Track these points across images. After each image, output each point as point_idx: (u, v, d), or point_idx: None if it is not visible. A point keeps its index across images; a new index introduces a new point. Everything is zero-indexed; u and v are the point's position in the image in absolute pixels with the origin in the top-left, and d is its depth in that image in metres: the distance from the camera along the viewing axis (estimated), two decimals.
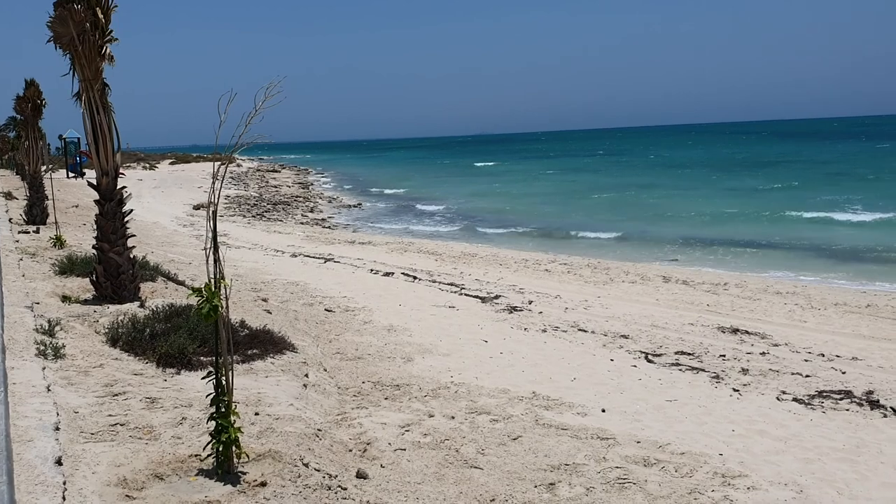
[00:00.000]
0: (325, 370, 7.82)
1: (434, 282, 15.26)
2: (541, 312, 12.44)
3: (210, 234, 4.46)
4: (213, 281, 4.43)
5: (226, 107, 4.53)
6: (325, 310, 11.81)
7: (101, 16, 8.64)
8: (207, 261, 4.51)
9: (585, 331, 11.22)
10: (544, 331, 11.12)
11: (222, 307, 4.42)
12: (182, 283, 10.78)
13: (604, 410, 7.34)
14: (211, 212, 4.50)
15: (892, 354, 10.03)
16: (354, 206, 38.55)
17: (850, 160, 58.58)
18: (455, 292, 14.11)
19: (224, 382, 4.45)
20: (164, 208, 30.65)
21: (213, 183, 4.55)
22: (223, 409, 4.41)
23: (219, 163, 4.64)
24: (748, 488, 5.55)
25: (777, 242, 22.18)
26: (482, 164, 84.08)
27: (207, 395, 4.57)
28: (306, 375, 7.07)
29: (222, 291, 4.45)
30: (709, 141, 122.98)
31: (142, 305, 8.76)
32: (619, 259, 19.80)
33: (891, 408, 7.74)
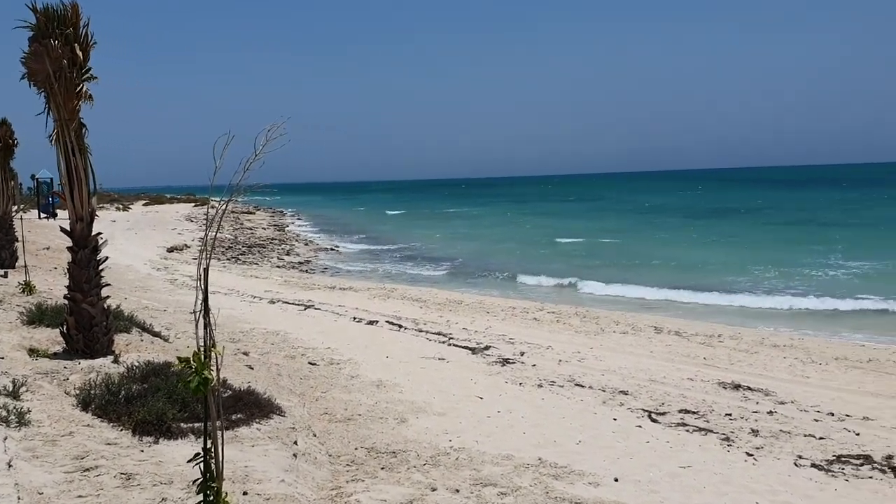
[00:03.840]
0: (315, 435, 7.23)
1: (420, 331, 14.72)
2: (534, 365, 11.93)
3: (201, 295, 3.95)
4: (202, 349, 3.90)
5: (223, 151, 4.07)
6: (309, 363, 11.21)
7: (79, 52, 8.13)
8: (197, 325, 3.99)
9: (583, 386, 10.73)
10: (540, 386, 10.60)
11: (213, 380, 3.89)
12: (158, 335, 10.16)
13: (616, 479, 6.82)
14: (202, 269, 4.00)
15: None
16: (332, 250, 37.95)
17: (824, 208, 59.24)
18: (443, 342, 13.58)
19: (213, 466, 3.89)
20: (138, 251, 29.86)
21: (206, 236, 4.06)
22: (212, 498, 3.85)
23: (213, 216, 4.14)
24: None
25: (763, 291, 21.94)
26: (460, 208, 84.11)
27: (195, 482, 4.00)
28: (295, 443, 6.48)
29: (213, 360, 3.92)
30: (691, 187, 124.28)
31: (116, 361, 8.13)
32: (607, 308, 19.42)
33: None
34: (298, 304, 17.70)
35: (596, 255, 32.19)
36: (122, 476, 5.07)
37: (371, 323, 15.47)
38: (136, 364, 7.57)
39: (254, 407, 6.93)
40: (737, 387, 10.95)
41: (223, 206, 4.18)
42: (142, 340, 9.63)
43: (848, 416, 9.55)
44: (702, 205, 71.07)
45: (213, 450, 3.94)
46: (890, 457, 7.90)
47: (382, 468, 6.64)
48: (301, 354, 11.84)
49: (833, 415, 9.59)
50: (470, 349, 13.00)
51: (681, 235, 39.97)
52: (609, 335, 15.08)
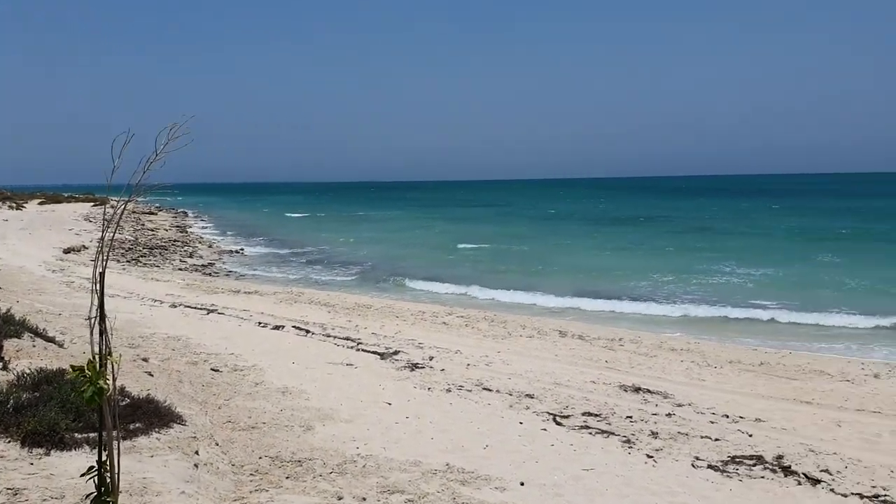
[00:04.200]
0: (217, 444, 7.03)
1: (328, 336, 14.55)
2: (443, 370, 11.97)
3: (96, 300, 3.77)
4: (97, 357, 3.72)
5: (121, 150, 3.90)
6: (212, 369, 10.90)
7: None
8: (92, 331, 3.81)
9: (490, 390, 10.82)
10: (448, 390, 10.64)
11: (109, 389, 3.71)
12: (52, 340, 9.67)
13: (522, 484, 6.90)
14: (99, 272, 3.82)
15: (793, 415, 10.12)
16: (237, 252, 37.12)
17: (718, 217, 61.79)
18: (351, 348, 13.45)
19: (109, 479, 3.71)
20: (32, 251, 28.44)
21: (103, 237, 3.88)
22: None
23: (111, 216, 3.96)
24: None
25: (662, 297, 22.67)
26: (369, 211, 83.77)
27: (88, 496, 3.80)
28: (196, 452, 6.28)
29: (109, 369, 3.74)
30: (594, 195, 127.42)
31: (5, 368, 7.69)
32: (512, 312, 19.68)
33: (803, 474, 7.68)
34: (201, 309, 17.22)
35: (502, 261, 32.60)
36: (9, 491, 4.80)
37: (277, 328, 15.19)
38: (28, 371, 7.18)
39: (153, 415, 6.68)
40: (637, 389, 11.27)
41: (122, 207, 4.01)
42: (34, 346, 9.14)
43: (741, 417, 9.96)
44: (606, 213, 73.00)
45: (108, 462, 3.76)
46: (780, 457, 8.27)
47: (287, 477, 6.51)
48: (203, 360, 11.51)
49: (727, 417, 9.98)
50: (379, 354, 12.92)
51: (584, 242, 40.90)
52: (516, 339, 15.28)
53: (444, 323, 16.87)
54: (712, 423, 9.65)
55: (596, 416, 9.76)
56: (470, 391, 10.70)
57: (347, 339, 14.26)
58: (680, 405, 10.50)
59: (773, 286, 24.12)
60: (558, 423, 9.30)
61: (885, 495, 7.24)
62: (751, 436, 9.09)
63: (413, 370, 11.83)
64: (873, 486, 7.49)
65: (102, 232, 3.90)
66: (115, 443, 3.78)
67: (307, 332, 14.89)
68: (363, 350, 13.24)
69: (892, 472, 7.95)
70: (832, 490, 7.34)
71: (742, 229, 48.00)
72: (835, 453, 8.52)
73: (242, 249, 38.55)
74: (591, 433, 8.95)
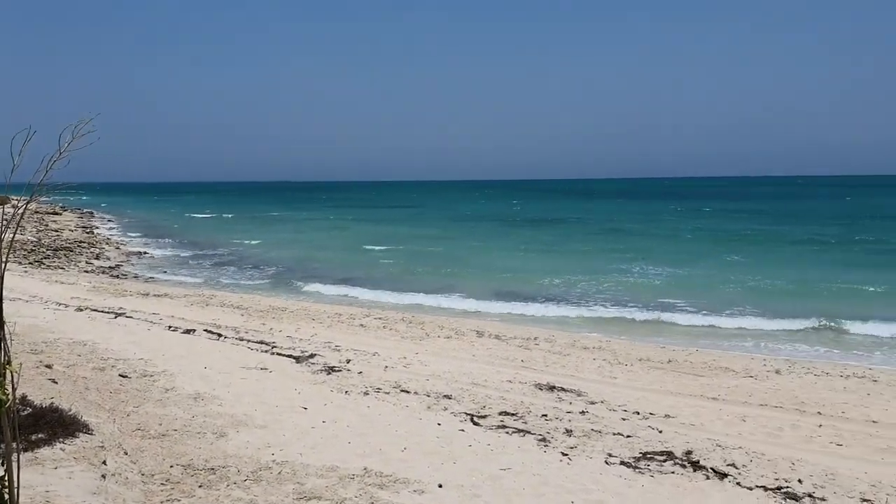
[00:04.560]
0: (126, 453, 6.78)
1: (242, 339, 14.25)
2: (360, 372, 11.88)
3: None
4: None
5: (21, 147, 3.72)
6: (120, 375, 10.51)
7: None
8: None
9: (408, 392, 10.81)
10: (366, 393, 10.56)
11: (9, 400, 3.53)
12: None
13: (440, 486, 6.90)
14: None
15: (700, 411, 10.48)
16: (145, 254, 36.02)
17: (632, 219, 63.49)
18: (266, 351, 13.21)
19: (7, 495, 3.53)
20: None
21: (2, 238, 3.69)
22: None
23: (10, 216, 3.77)
24: None
25: (575, 297, 23.12)
26: (284, 212, 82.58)
27: None
28: (104, 462, 6.05)
29: (8, 378, 3.56)
30: (509, 197, 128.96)
31: None
32: (431, 314, 19.72)
33: (711, 468, 7.95)
34: (109, 312, 16.61)
35: (417, 262, 32.61)
36: None
37: (188, 332, 14.79)
38: None
39: (57, 425, 6.39)
40: (552, 388, 11.46)
41: (24, 206, 3.83)
42: None
43: (651, 414, 10.25)
44: (521, 214, 74.01)
45: (6, 477, 3.58)
46: (689, 452, 8.54)
47: (200, 486, 6.33)
48: (111, 366, 11.09)
49: (638, 413, 10.25)
50: (294, 358, 12.73)
51: (499, 243, 41.27)
52: (434, 340, 15.32)
53: (362, 325, 16.77)
54: (624, 419, 9.89)
55: (512, 415, 9.87)
56: (388, 393, 10.66)
57: (262, 342, 14.01)
58: (593, 403, 10.73)
59: (680, 285, 24.93)
60: (476, 424, 9.36)
61: (787, 487, 7.56)
62: (661, 432, 9.35)
63: (330, 373, 11.70)
64: (776, 479, 7.81)
65: (2, 233, 3.71)
66: (13, 455, 3.60)
67: (220, 335, 14.55)
68: (278, 354, 13.02)
69: (793, 464, 8.31)
70: (738, 483, 7.61)
71: (652, 231, 49.44)
72: (740, 447, 8.85)
73: (152, 251, 37.44)
74: (507, 432, 9.04)
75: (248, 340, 14.18)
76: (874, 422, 10.28)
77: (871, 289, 23.27)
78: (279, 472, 6.87)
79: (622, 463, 8.08)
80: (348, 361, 12.69)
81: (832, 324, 17.89)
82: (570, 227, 55.50)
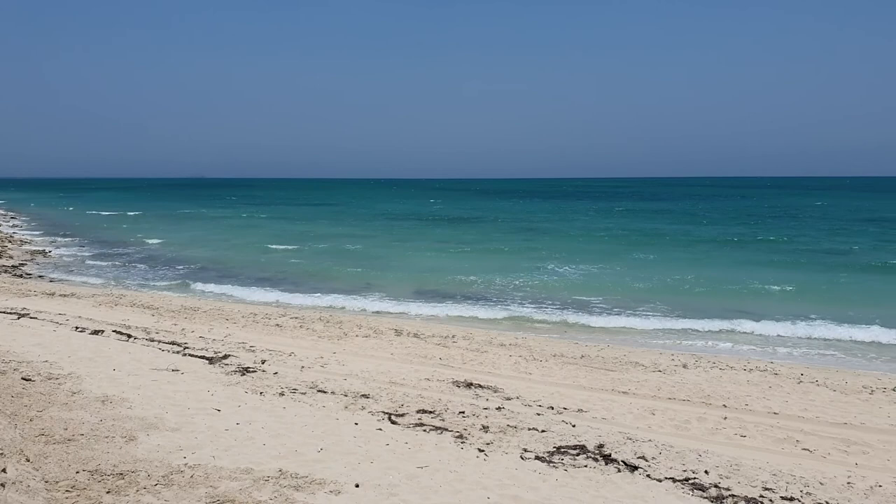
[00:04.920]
0: (28, 460, 6.51)
1: (152, 340, 13.86)
2: (276, 373, 11.72)
3: None
4: None
5: None
6: (23, 378, 10.09)
7: None
8: None
9: (325, 391, 10.73)
10: (282, 394, 10.43)
11: None
12: None
13: (357, 486, 6.89)
14: None
15: (611, 405, 10.76)
16: (50, 252, 34.57)
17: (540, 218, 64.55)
18: (178, 352, 12.89)
19: None
20: None
21: None
22: None
23: None
24: None
25: (492, 294, 23.37)
26: (198, 209, 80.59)
27: None
28: (3, 470, 5.80)
29: None
30: (427, 196, 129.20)
31: None
32: (349, 313, 19.61)
33: (622, 461, 8.18)
34: (11, 313, 15.90)
35: (336, 260, 32.37)
36: None
37: (96, 332, 14.30)
38: None
39: None
40: (469, 385, 11.57)
41: None
42: None
43: (565, 408, 10.46)
44: (440, 213, 74.29)
45: None
46: (601, 445, 8.76)
47: (108, 492, 6.14)
48: (14, 369, 10.63)
49: (553, 408, 10.45)
50: (207, 359, 12.46)
51: (417, 243, 41.27)
52: (352, 339, 15.24)
53: (278, 325, 16.54)
54: (539, 414, 10.07)
55: (430, 412, 9.92)
56: (304, 394, 10.55)
57: (173, 343, 13.66)
58: (509, 399, 10.88)
59: (593, 283, 25.48)
60: (393, 422, 9.36)
61: (695, 478, 7.84)
62: (574, 426, 9.56)
63: (244, 374, 11.50)
64: (685, 470, 8.08)
65: None
66: None
67: (129, 336, 14.12)
68: (190, 355, 12.72)
69: (700, 456, 8.62)
70: (648, 476, 7.85)
71: (565, 230, 50.39)
72: (650, 440, 9.13)
73: (57, 249, 35.98)
74: (425, 430, 9.08)
75: (160, 341, 13.80)
76: (775, 413, 10.75)
77: (775, 287, 24.32)
78: (191, 476, 6.73)
79: (537, 458, 8.22)
80: (263, 362, 12.50)
81: (735, 320, 18.62)
82: (487, 225, 56.01)
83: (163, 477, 6.63)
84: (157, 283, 25.83)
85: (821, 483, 7.83)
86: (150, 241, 41.29)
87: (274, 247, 38.05)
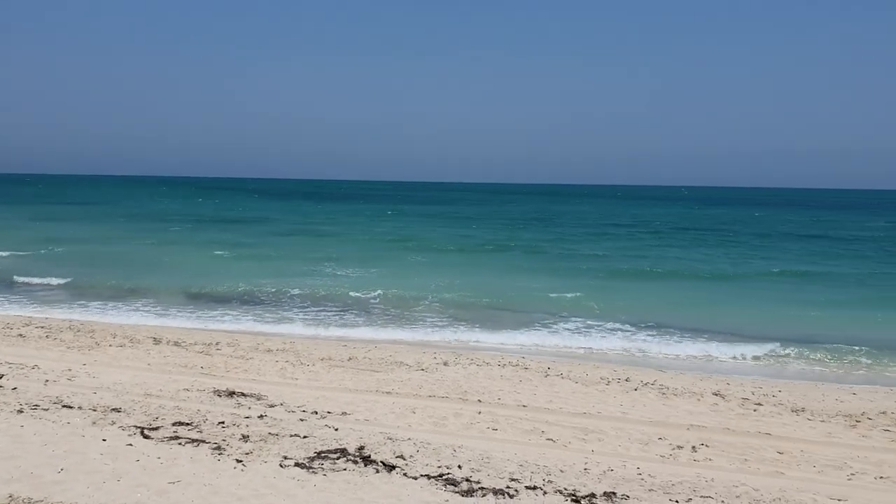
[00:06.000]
0: None
1: None
2: (15, 388, 10.77)
3: None
4: None
5: None
6: None
7: None
8: None
9: (71, 407, 10.03)
10: (20, 412, 9.61)
11: None
12: None
13: None
14: None
15: (374, 406, 11.02)
16: None
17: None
18: None
19: None
20: None
21: None
22: None
23: None
24: None
25: (266, 297, 22.97)
26: None
27: None
28: None
29: None
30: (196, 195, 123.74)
31: None
32: (105, 321, 18.40)
33: (381, 461, 8.42)
34: None
35: (93, 263, 30.16)
36: None
37: None
38: None
39: None
40: (231, 394, 11.33)
41: None
42: None
43: (329, 412, 10.57)
44: (216, 213, 71.56)
45: None
46: (361, 448, 8.95)
47: None
48: None
49: (317, 413, 10.51)
50: None
51: (185, 247, 39.20)
52: (105, 349, 14.34)
53: (21, 335, 15.17)
54: (302, 420, 10.09)
55: (187, 424, 9.60)
56: (47, 410, 9.80)
57: None
58: (272, 406, 10.79)
59: (368, 285, 25.80)
60: (146, 437, 8.96)
61: (449, 473, 8.24)
62: (337, 430, 9.69)
63: None
64: (440, 466, 8.47)
65: None
66: None
67: None
68: None
69: (454, 451, 9.07)
70: (405, 474, 8.14)
71: (341, 232, 50.50)
72: (409, 439, 9.47)
73: None
74: (181, 443, 8.78)
75: None
76: (524, 406, 11.55)
77: (535, 284, 26.02)
78: None
79: (297, 464, 8.24)
80: (1, 377, 11.43)
81: (491, 316, 19.86)
82: (260, 226, 54.72)
83: None
84: None
85: (561, 471, 8.54)
86: None
87: (24, 247, 34.67)
